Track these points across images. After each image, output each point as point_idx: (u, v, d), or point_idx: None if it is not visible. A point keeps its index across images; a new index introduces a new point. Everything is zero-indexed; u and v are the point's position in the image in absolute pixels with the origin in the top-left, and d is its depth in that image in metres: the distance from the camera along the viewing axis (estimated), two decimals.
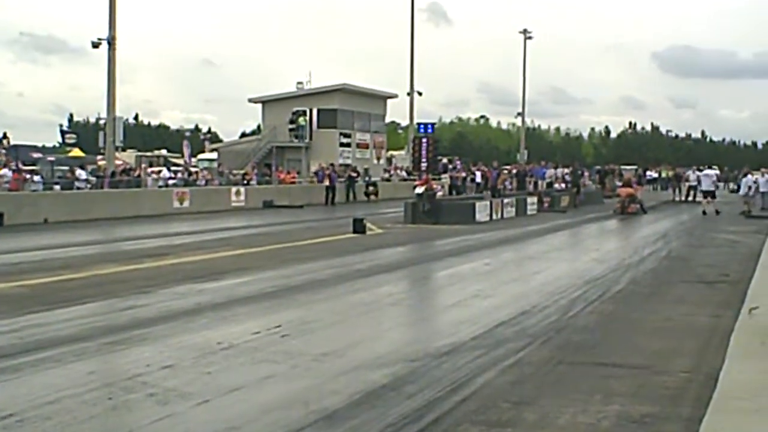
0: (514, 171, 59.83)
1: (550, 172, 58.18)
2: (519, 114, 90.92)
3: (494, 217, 36.91)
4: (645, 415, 8.08)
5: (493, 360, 10.29)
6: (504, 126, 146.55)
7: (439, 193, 40.54)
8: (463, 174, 60.41)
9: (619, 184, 48.81)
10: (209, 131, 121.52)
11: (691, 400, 8.41)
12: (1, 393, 8.87)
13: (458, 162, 69.90)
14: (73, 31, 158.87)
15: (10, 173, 37.35)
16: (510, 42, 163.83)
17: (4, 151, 49.66)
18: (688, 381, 9.42)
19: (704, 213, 40.39)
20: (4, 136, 57.70)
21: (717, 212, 40.11)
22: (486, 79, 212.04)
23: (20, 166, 41.74)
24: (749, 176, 42.87)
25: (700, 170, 61.31)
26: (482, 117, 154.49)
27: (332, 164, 55.84)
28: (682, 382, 9.38)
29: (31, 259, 20.95)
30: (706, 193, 42.44)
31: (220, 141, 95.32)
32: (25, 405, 8.26)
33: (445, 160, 65.92)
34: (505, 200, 40.15)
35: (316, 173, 55.39)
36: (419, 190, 35.74)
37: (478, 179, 58.23)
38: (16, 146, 57.05)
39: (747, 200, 41.04)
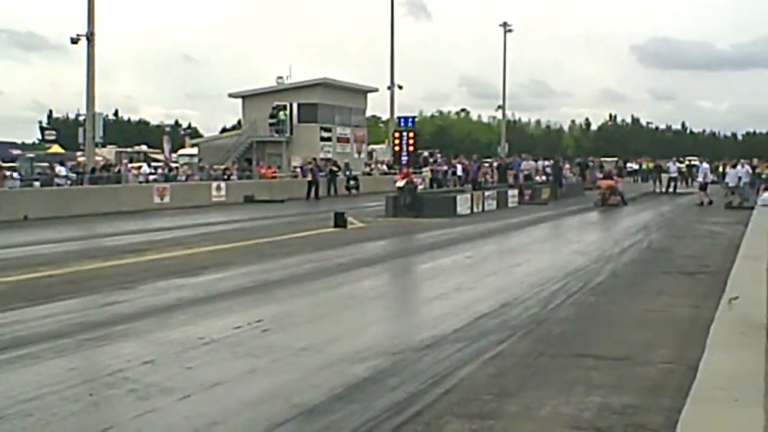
0: (495, 164, 59.91)
1: (526, 164, 58.08)
2: (499, 107, 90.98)
3: (475, 209, 36.97)
4: (626, 406, 8.11)
5: (475, 352, 10.31)
6: (485, 119, 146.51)
7: (420, 187, 40.50)
8: (444, 167, 60.37)
9: (600, 176, 48.98)
10: (189, 126, 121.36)
11: (672, 391, 8.43)
12: None
13: (439, 155, 69.91)
14: (52, 27, 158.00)
15: None
16: (490, 35, 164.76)
17: None
18: (668, 372, 9.46)
19: (711, 203, 40.72)
20: None
21: (710, 203, 40.48)
22: (466, 72, 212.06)
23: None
24: (739, 167, 42.80)
25: (680, 162, 61.68)
26: (463, 110, 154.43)
27: (314, 159, 55.77)
28: (663, 373, 9.42)
29: (11, 255, 20.84)
30: (707, 185, 43.01)
31: (201, 136, 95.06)
32: (5, 402, 8.23)
33: (425, 154, 65.95)
34: (486, 193, 40.20)
35: (301, 168, 55.28)
36: (400, 183, 35.71)
37: (459, 172, 58.21)
38: None
39: (737, 191, 41.05)
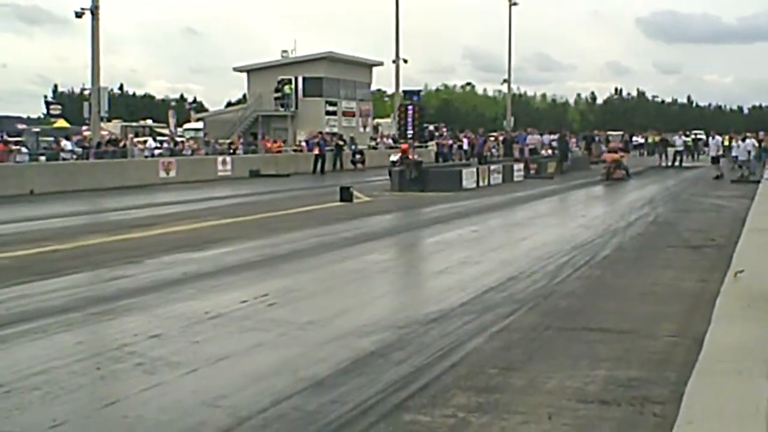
0: (501, 138, 59.80)
1: (531, 138, 57.85)
2: (505, 81, 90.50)
3: (481, 183, 37.00)
4: (632, 379, 8.11)
5: (481, 326, 10.31)
6: (490, 93, 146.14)
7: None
8: (450, 141, 60.33)
9: (605, 149, 48.88)
10: (195, 101, 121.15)
11: (678, 364, 8.44)
12: None
13: (444, 129, 69.85)
14: (56, 1, 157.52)
15: None
16: (495, 8, 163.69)
17: None
18: (674, 345, 9.46)
19: (721, 176, 40.60)
20: None
21: (718, 176, 40.43)
22: (471, 45, 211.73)
23: (5, 137, 41.56)
24: (748, 140, 42.54)
25: (687, 135, 61.56)
26: (468, 84, 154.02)
27: (321, 132, 55.78)
28: (669, 347, 9.41)
29: (17, 230, 20.90)
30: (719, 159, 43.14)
31: (206, 110, 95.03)
32: (13, 376, 8.24)
33: (431, 128, 65.90)
34: (492, 167, 40.22)
35: (306, 142, 55.29)
36: (393, 157, 35.77)
37: (465, 146, 58.17)
38: (0, 117, 56.68)
39: (745, 165, 40.86)
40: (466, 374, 8.33)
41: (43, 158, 39.59)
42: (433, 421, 7.04)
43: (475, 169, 38.34)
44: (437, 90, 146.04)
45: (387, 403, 7.50)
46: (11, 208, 27.33)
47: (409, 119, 38.66)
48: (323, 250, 17.37)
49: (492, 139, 60.25)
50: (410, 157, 36.45)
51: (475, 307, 11.44)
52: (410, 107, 39.06)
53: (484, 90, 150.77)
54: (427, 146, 56.45)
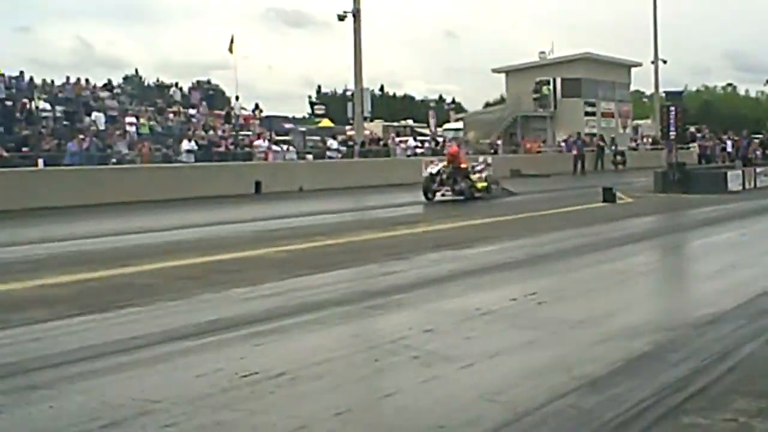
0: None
1: None
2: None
3: (747, 186, 35.93)
4: None
5: (757, 330, 10.04)
6: (752, 94, 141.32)
7: (483, 174, 33.36)
8: (713, 143, 58.88)
9: None
10: (453, 101, 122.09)
11: None
12: (271, 353, 9.24)
13: (706, 131, 68.12)
14: (318, 5, 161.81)
15: (265, 144, 38.72)
16: (756, 7, 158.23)
17: (258, 122, 51.32)
18: None
19: None
20: (257, 107, 59.17)
21: None
22: (731, 46, 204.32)
23: (274, 136, 43.17)
24: None
25: None
26: (729, 85, 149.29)
27: (578, 133, 55.49)
28: None
29: (289, 225, 21.76)
30: None
31: (464, 111, 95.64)
32: (296, 365, 8.55)
33: (692, 129, 64.38)
34: (758, 169, 39.00)
35: (565, 142, 55.15)
36: (433, 168, 30.83)
37: (729, 148, 56.59)
38: (269, 117, 58.69)
39: None
40: (744, 378, 8.15)
41: (310, 156, 40.92)
42: (713, 424, 6.91)
43: (740, 171, 37.33)
44: (697, 91, 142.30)
45: (663, 404, 7.41)
46: (284, 203, 28.51)
47: (671, 120, 37.80)
48: (587, 251, 17.32)
49: (756, 141, 58.32)
50: (462, 165, 30.81)
51: (749, 311, 11.16)
52: (672, 108, 38.14)
53: (746, 91, 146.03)
54: (689, 148, 55.20)
